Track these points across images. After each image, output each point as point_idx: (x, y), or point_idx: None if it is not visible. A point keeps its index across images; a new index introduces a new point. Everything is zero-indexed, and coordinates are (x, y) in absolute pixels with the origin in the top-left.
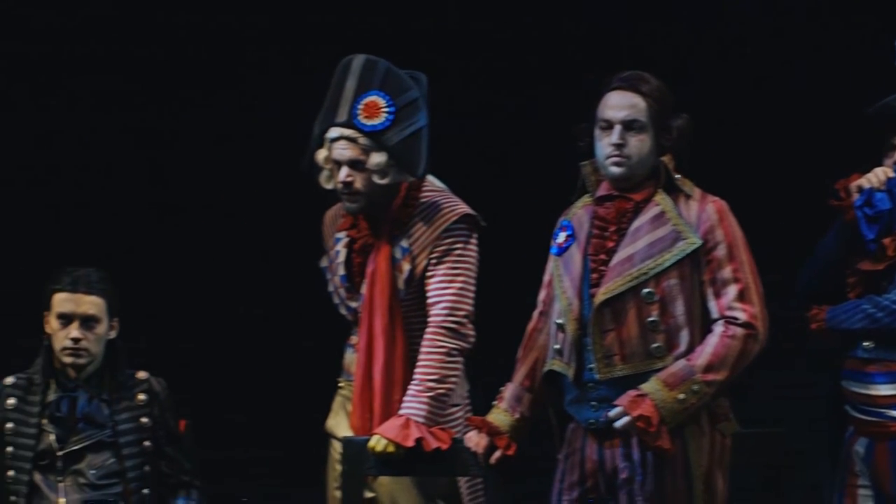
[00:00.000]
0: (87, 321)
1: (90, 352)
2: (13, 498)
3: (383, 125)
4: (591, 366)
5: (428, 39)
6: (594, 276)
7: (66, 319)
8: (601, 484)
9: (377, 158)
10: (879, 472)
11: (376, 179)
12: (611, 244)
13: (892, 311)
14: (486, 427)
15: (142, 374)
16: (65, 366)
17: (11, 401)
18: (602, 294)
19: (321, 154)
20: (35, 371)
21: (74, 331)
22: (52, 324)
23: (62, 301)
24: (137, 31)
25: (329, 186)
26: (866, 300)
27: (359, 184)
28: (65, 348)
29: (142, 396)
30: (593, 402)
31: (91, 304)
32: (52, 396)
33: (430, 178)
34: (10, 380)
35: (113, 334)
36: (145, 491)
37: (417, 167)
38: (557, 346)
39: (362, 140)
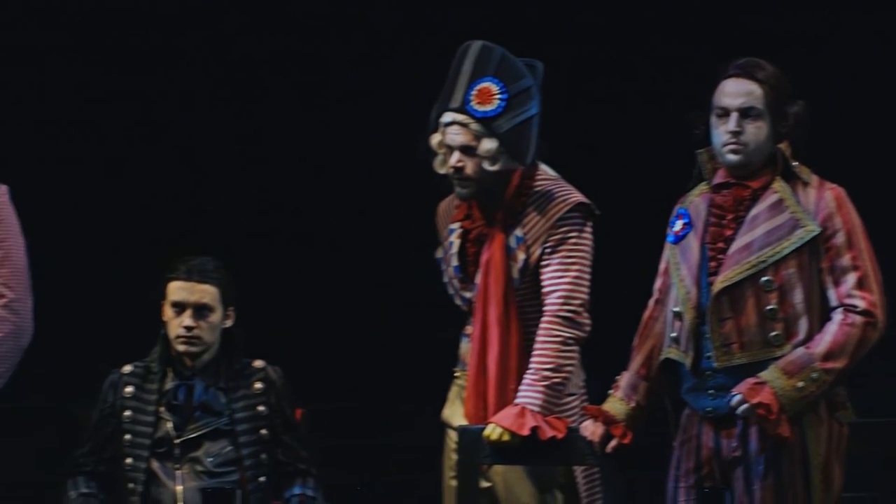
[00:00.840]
0: (201, 309)
1: (203, 340)
2: (131, 485)
3: (495, 112)
4: (709, 354)
5: (541, 27)
6: (712, 264)
7: (179, 308)
8: (717, 471)
9: (488, 145)
10: None
11: (486, 166)
12: (728, 232)
13: None
14: (601, 416)
15: (258, 363)
16: (180, 354)
17: (129, 389)
18: (720, 282)
19: (435, 138)
20: (152, 359)
21: (188, 319)
22: (168, 312)
23: (176, 289)
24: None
25: (442, 171)
26: None
27: (469, 169)
28: (178, 336)
29: (258, 385)
30: (711, 391)
31: (204, 292)
32: (169, 385)
33: (543, 167)
34: (128, 368)
35: (228, 323)
36: (261, 479)
37: (526, 155)
38: (674, 335)
39: (474, 126)
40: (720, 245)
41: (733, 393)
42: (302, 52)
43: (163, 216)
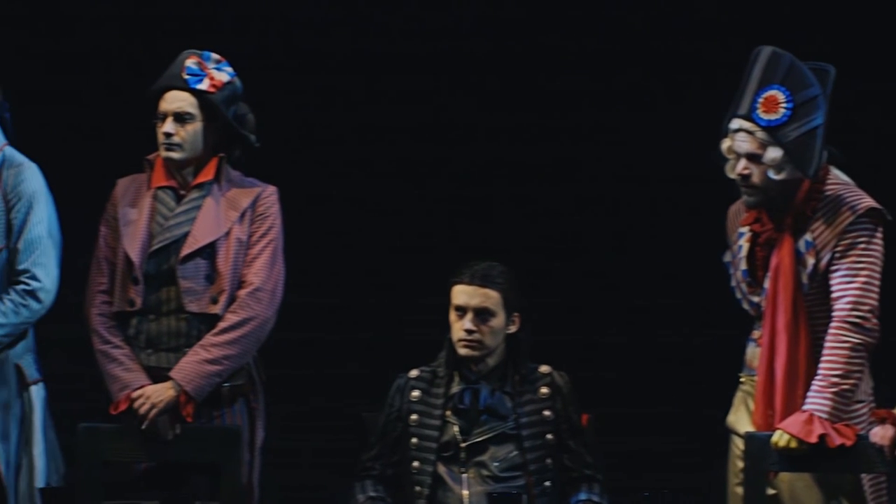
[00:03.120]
0: (481, 314)
1: (484, 344)
2: (418, 488)
3: (780, 121)
4: None
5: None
6: None
7: (462, 311)
8: None
9: (773, 153)
10: None
11: (772, 175)
12: None
13: None
14: (892, 418)
15: (545, 368)
16: (463, 358)
17: (416, 393)
18: None
19: (725, 144)
20: (439, 364)
21: (468, 322)
22: (452, 316)
23: (459, 293)
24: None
25: (732, 176)
26: None
27: (756, 178)
28: (460, 339)
29: (544, 390)
30: None
31: (486, 296)
32: (455, 389)
33: (835, 172)
34: (414, 372)
35: (513, 328)
36: (547, 484)
37: (809, 166)
38: None
39: (760, 134)
40: None
41: None
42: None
43: (455, 222)
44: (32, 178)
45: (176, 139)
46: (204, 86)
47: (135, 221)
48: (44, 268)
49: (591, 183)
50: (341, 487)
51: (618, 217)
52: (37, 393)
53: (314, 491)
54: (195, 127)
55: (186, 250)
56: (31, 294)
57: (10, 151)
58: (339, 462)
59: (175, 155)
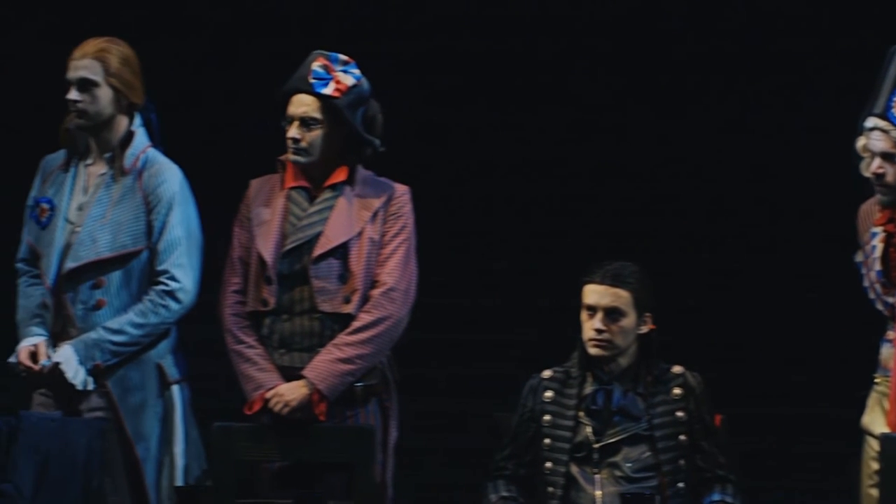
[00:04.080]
0: (611, 313)
1: (614, 343)
2: (550, 489)
3: None
4: None
5: None
6: None
7: (592, 311)
8: None
9: None
10: None
11: None
12: None
13: None
14: None
15: (677, 369)
16: (593, 358)
17: (549, 393)
18: None
19: (861, 142)
20: (572, 364)
21: (598, 322)
22: (583, 315)
23: (590, 293)
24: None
25: (866, 175)
26: None
27: (890, 177)
28: (590, 339)
29: (677, 391)
30: None
31: (616, 296)
32: (588, 389)
33: None
34: (547, 373)
35: (644, 329)
36: (680, 485)
37: None
38: None
39: (894, 133)
40: None
41: None
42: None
43: (587, 221)
44: (173, 180)
45: (302, 144)
46: (329, 90)
47: (268, 222)
48: (183, 269)
49: (722, 183)
50: (474, 487)
51: (746, 216)
52: (178, 392)
53: (447, 491)
54: (321, 132)
55: (319, 250)
56: (171, 294)
57: (153, 153)
58: (472, 462)
59: (301, 159)
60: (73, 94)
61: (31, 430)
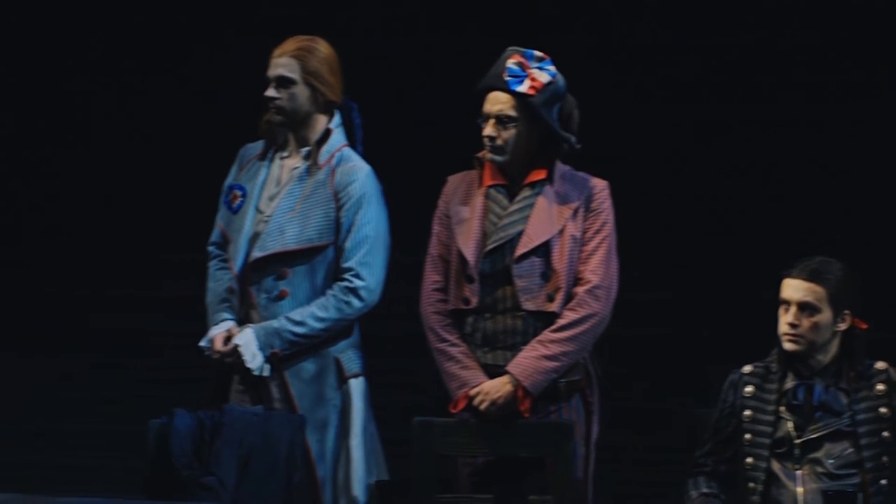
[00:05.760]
0: (804, 308)
1: (806, 339)
2: (751, 485)
3: None
4: None
5: None
6: None
7: (787, 305)
8: None
9: None
10: None
11: None
12: None
13: None
14: None
15: (881, 365)
16: (788, 352)
17: (749, 388)
18: None
19: None
20: (772, 359)
21: (791, 316)
22: (780, 309)
23: (786, 286)
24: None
25: None
26: None
27: None
28: (784, 333)
29: (881, 387)
30: None
31: (810, 291)
32: (788, 384)
33: None
34: (748, 368)
35: (842, 326)
36: (883, 482)
37: None
38: None
39: None
40: None
41: None
42: None
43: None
44: (364, 180)
45: (498, 142)
46: (524, 88)
47: (468, 220)
48: (369, 267)
49: None
50: (674, 484)
51: None
52: (356, 386)
53: (647, 487)
54: (516, 130)
55: (521, 249)
56: (354, 292)
57: (348, 152)
58: (672, 458)
59: (498, 157)
60: (271, 91)
61: (233, 423)
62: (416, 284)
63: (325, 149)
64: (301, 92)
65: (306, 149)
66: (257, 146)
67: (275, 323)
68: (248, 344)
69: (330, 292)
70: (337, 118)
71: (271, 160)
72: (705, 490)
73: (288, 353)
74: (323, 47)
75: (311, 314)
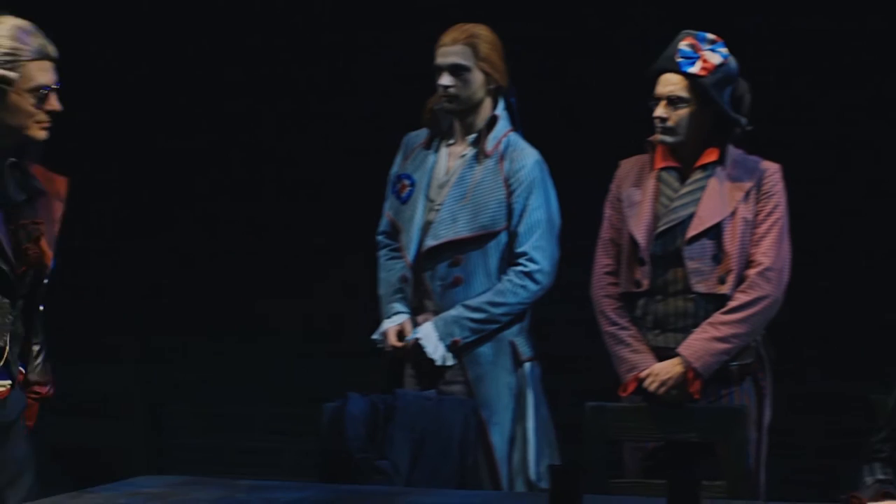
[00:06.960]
0: None
1: None
2: None
3: None
4: None
5: None
6: None
7: None
8: None
9: None
10: None
11: None
12: None
13: None
14: None
15: None
16: None
17: None
18: None
19: None
20: None
21: None
22: None
23: None
24: None
25: None
26: None
27: None
28: None
29: None
30: None
31: None
32: None
33: None
34: None
35: None
36: None
37: None
38: None
39: None
40: None
41: None
42: None
43: None
44: (533, 166)
45: (669, 123)
46: (696, 69)
47: (639, 203)
48: (542, 251)
49: None
50: (848, 470)
51: None
52: (530, 370)
53: (819, 473)
54: (688, 111)
55: (692, 231)
56: (529, 276)
57: (514, 138)
58: (847, 443)
59: (668, 139)
60: (446, 80)
61: (406, 408)
62: (587, 268)
63: (492, 135)
64: (476, 78)
65: (473, 135)
66: (420, 134)
67: (453, 312)
68: (429, 336)
69: (505, 277)
70: (501, 103)
71: (437, 148)
72: (881, 476)
73: (469, 340)
74: (489, 33)
75: (487, 300)
